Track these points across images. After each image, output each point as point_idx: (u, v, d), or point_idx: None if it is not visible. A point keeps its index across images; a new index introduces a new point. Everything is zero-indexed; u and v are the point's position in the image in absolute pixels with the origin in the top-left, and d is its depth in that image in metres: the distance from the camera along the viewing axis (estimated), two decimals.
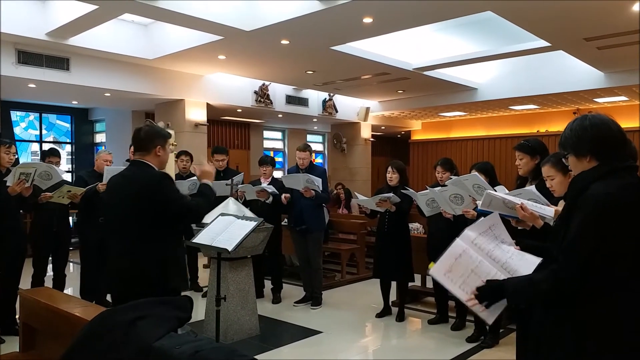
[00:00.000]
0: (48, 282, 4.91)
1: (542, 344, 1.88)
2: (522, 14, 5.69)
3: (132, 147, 5.63)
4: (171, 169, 5.56)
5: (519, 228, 2.69)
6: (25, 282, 4.76)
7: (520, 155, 3.43)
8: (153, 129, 2.94)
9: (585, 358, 1.74)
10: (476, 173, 3.77)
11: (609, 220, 1.69)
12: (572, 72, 8.86)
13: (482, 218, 2.23)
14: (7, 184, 4.10)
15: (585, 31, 6.29)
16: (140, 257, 2.73)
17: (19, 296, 2.82)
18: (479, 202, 2.75)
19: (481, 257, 2.00)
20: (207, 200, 2.99)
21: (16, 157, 4.49)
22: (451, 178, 4.25)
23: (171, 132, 6.64)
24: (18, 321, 4.34)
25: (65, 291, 5.16)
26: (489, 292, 1.88)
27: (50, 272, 5.03)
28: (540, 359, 1.92)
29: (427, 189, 4.56)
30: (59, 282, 4.98)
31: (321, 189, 5.27)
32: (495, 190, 3.21)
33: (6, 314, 4.43)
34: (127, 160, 5.57)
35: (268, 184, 5.61)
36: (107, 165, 5.09)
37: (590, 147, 1.81)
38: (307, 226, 5.41)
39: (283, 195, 5.42)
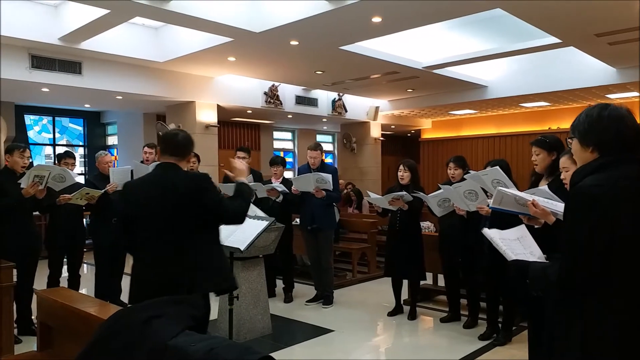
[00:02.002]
0: (63, 282, 4.98)
1: (555, 342, 1.88)
2: (531, 10, 5.66)
3: (145, 148, 5.72)
4: None
5: (535, 227, 2.70)
6: (41, 283, 4.84)
7: (537, 150, 3.42)
8: (190, 137, 2.85)
9: (592, 357, 1.73)
10: (497, 167, 3.72)
11: (595, 214, 1.65)
12: (583, 69, 8.79)
13: (510, 229, 2.31)
14: (22, 186, 4.17)
15: (596, 27, 6.25)
16: (188, 261, 2.64)
17: (36, 296, 2.85)
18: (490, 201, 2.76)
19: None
20: (246, 201, 2.86)
21: (30, 160, 4.56)
22: (469, 172, 4.23)
23: None
24: (34, 321, 4.43)
25: (80, 291, 5.23)
26: (515, 270, 2.02)
27: (65, 273, 5.10)
28: (553, 357, 1.92)
29: (439, 187, 4.55)
30: (74, 282, 5.05)
31: (332, 187, 5.29)
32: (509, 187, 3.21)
33: (22, 314, 4.50)
34: (142, 162, 5.65)
35: (279, 184, 5.64)
36: (109, 166, 5.19)
37: (597, 139, 1.76)
38: (317, 225, 5.43)
39: (293, 188, 5.44)
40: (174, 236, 2.66)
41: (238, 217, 2.81)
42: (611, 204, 1.65)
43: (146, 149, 5.72)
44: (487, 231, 2.27)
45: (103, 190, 4.81)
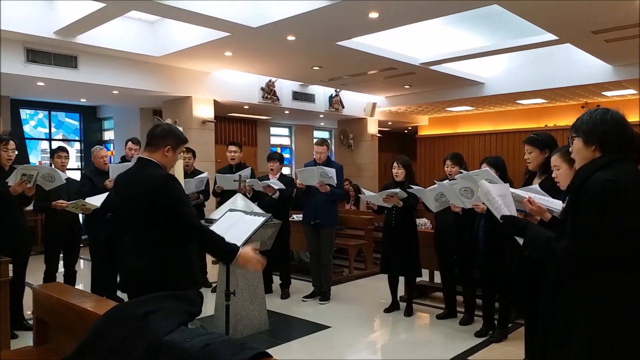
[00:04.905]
0: (59, 278, 4.97)
1: (550, 337, 1.91)
2: (529, 7, 5.65)
3: (128, 143, 5.58)
4: (179, 170, 5.44)
5: None
6: (37, 278, 4.83)
7: (529, 149, 3.42)
8: (170, 128, 2.83)
9: (590, 351, 1.78)
10: (487, 168, 3.73)
11: (610, 205, 1.84)
12: (580, 66, 8.80)
13: (497, 185, 2.49)
14: (9, 184, 4.11)
15: (593, 24, 6.25)
16: (152, 256, 2.64)
17: (32, 291, 2.85)
18: None
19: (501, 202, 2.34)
20: (218, 245, 2.74)
21: (16, 153, 4.44)
22: (461, 172, 4.23)
23: (180, 128, 6.65)
24: (25, 316, 4.42)
25: (76, 287, 5.22)
26: (510, 226, 2.20)
27: (61, 268, 5.09)
28: (548, 352, 1.94)
29: (435, 183, 4.55)
30: (70, 277, 5.03)
31: (336, 183, 5.29)
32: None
33: (15, 309, 4.47)
34: (124, 157, 5.61)
35: (275, 181, 5.63)
36: (104, 161, 5.15)
37: (601, 138, 1.96)
38: (320, 221, 5.44)
39: (297, 181, 5.44)
40: (139, 231, 2.68)
41: (191, 229, 2.67)
42: (623, 197, 1.85)
43: (130, 144, 5.55)
44: (484, 183, 2.43)
45: (98, 205, 4.76)
